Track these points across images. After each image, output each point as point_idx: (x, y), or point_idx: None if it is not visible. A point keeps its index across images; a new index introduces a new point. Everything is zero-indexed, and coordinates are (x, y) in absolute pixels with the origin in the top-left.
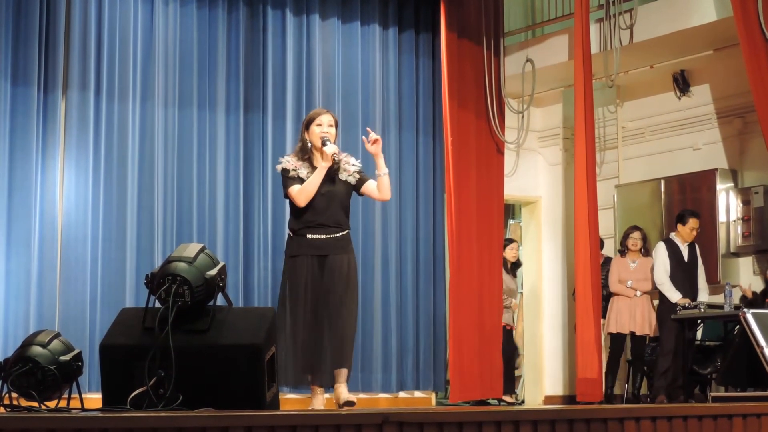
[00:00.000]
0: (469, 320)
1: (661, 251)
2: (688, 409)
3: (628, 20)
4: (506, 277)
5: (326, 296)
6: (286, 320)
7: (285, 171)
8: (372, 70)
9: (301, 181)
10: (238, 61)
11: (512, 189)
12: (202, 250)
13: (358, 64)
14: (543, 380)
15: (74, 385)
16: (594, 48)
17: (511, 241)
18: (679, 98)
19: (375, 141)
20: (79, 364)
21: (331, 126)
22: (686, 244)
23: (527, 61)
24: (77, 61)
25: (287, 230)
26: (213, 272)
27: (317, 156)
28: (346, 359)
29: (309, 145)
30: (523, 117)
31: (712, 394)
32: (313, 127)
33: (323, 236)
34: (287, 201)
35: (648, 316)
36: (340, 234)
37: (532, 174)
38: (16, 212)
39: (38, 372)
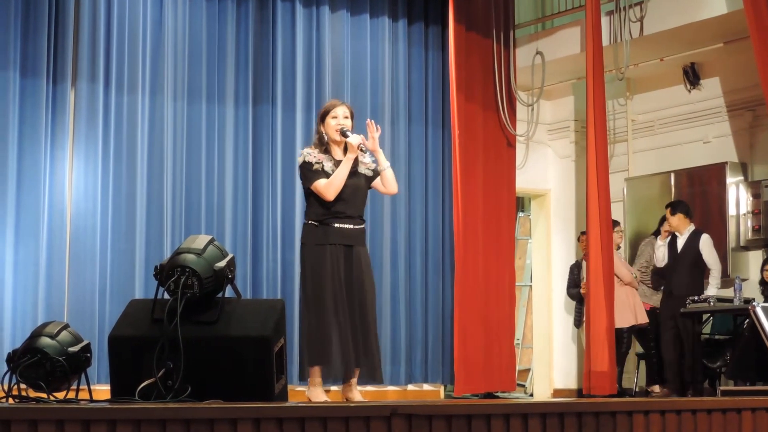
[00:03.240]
0: (474, 313)
1: (659, 243)
2: (697, 402)
3: (638, 13)
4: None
5: (354, 288)
6: (312, 310)
7: (308, 164)
8: (381, 63)
9: (326, 174)
10: (247, 54)
11: (522, 182)
12: (211, 241)
13: (367, 57)
14: (552, 374)
15: (83, 376)
16: (604, 41)
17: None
18: (690, 91)
19: (372, 136)
20: (88, 355)
21: (347, 117)
22: (684, 235)
23: (537, 53)
24: (86, 53)
25: (308, 221)
26: (222, 264)
27: (335, 148)
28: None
29: (325, 137)
30: (532, 110)
31: (722, 387)
32: (329, 120)
33: (350, 226)
34: (303, 192)
35: (639, 305)
36: (362, 226)
37: (542, 167)
38: (25, 203)
39: (47, 363)
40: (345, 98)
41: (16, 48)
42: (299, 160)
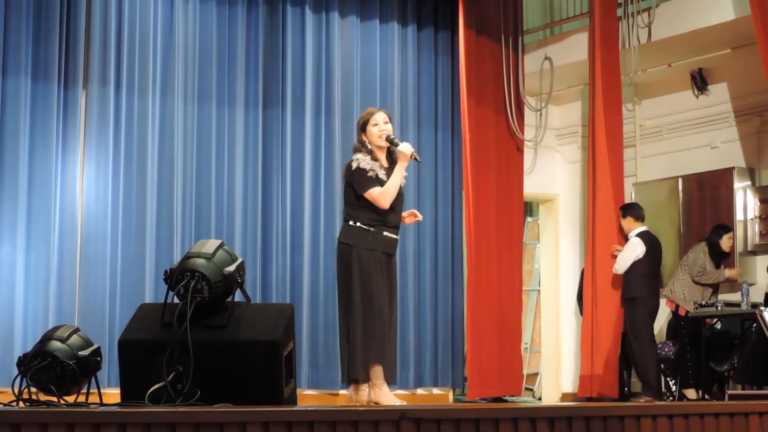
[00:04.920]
0: (487, 318)
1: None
2: (705, 406)
3: (646, 19)
4: (710, 268)
5: (390, 295)
6: (360, 310)
7: (363, 170)
8: (391, 68)
9: (380, 181)
10: (257, 58)
11: (530, 186)
12: (220, 246)
13: (376, 62)
14: (560, 378)
15: (93, 380)
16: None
17: (728, 229)
18: (697, 96)
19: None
20: (98, 359)
21: (387, 123)
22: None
23: (546, 59)
24: (97, 57)
25: (357, 223)
26: (231, 268)
27: (380, 155)
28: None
29: (368, 146)
30: (541, 115)
31: (729, 392)
32: (370, 128)
33: (394, 236)
34: (346, 196)
35: None
36: (398, 236)
37: (550, 172)
38: (36, 207)
39: (57, 367)
40: (354, 103)
41: (27, 52)
42: (353, 165)
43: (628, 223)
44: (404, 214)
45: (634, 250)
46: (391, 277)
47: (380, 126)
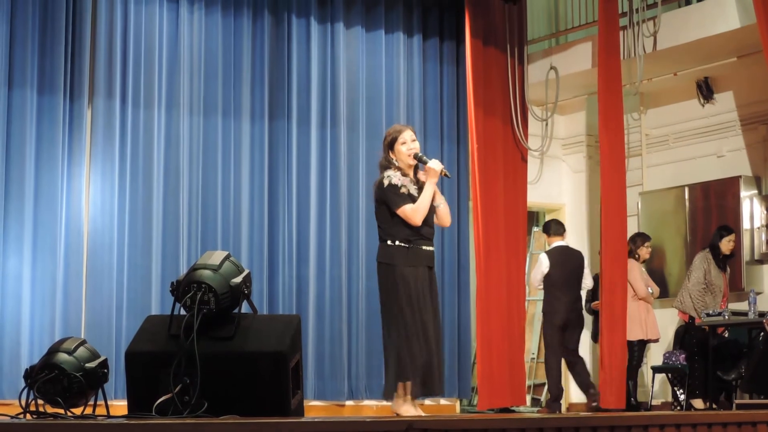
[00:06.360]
0: (498, 328)
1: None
2: (712, 416)
3: (651, 28)
4: (716, 273)
5: (431, 309)
6: (404, 328)
7: (395, 187)
8: (396, 78)
9: (411, 197)
10: (262, 69)
11: (536, 196)
12: (227, 257)
13: (382, 72)
14: (567, 388)
15: (100, 392)
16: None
17: (729, 230)
18: (703, 105)
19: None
20: (105, 371)
21: (414, 141)
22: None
23: (551, 68)
24: (103, 70)
25: (395, 242)
26: (238, 280)
27: (408, 172)
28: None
29: (396, 163)
30: (546, 124)
31: (737, 401)
32: (399, 146)
33: (431, 249)
34: (379, 215)
35: (652, 320)
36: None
37: (556, 181)
38: (42, 219)
39: (64, 379)
40: (360, 114)
41: (33, 65)
42: (384, 182)
43: (547, 239)
44: None
45: (539, 266)
46: (433, 290)
47: (408, 144)
